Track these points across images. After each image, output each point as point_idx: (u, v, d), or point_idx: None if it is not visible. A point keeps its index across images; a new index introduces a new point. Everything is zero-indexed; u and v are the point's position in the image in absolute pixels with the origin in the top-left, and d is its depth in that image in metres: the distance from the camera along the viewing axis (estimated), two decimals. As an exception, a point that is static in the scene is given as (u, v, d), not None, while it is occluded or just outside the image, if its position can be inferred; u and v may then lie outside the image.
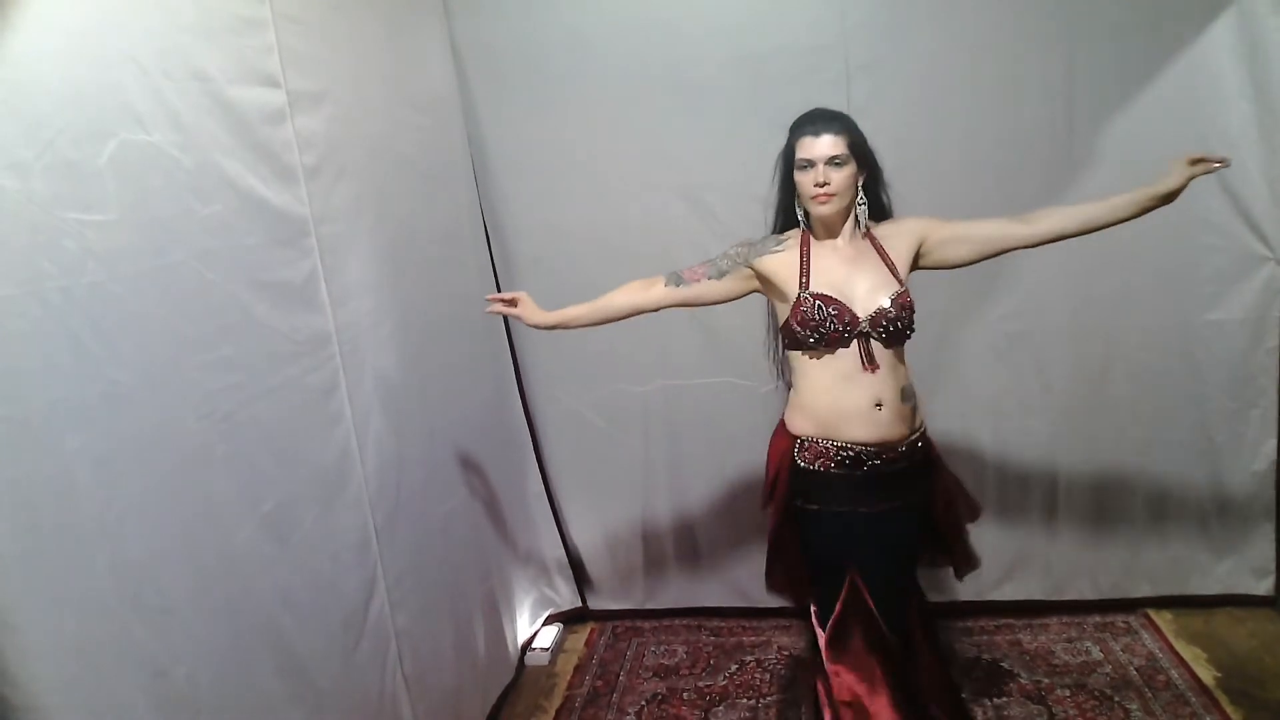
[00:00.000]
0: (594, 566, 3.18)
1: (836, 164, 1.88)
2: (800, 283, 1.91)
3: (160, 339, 1.40)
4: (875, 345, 1.88)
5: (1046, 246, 2.64)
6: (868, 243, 1.96)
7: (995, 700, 2.55)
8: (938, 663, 2.10)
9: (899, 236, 1.98)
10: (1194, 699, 2.48)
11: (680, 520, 3.08)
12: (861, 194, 1.94)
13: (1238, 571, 2.86)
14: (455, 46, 2.72)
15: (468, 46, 2.73)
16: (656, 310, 2.11)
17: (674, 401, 2.95)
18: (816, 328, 1.86)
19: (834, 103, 2.60)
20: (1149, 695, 2.51)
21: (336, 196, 1.95)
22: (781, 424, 2.04)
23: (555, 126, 2.76)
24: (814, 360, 1.91)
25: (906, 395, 1.93)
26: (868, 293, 1.89)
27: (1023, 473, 2.88)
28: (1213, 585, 2.88)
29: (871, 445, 1.89)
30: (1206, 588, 2.88)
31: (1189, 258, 2.66)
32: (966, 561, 2.21)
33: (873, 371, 1.86)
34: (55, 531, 1.19)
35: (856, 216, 1.95)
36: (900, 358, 1.94)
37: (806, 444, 1.95)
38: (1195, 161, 1.91)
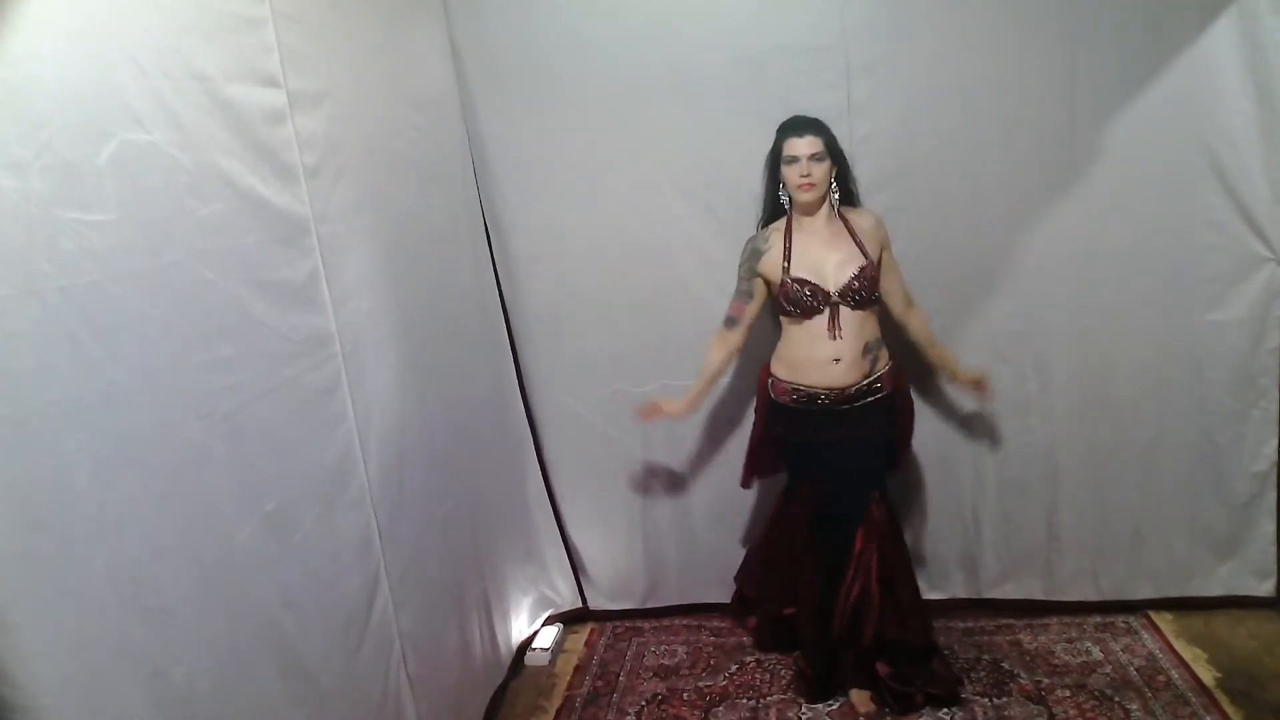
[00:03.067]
0: (594, 566, 3.18)
1: (816, 160, 2.36)
2: (784, 266, 2.41)
3: (160, 339, 1.40)
4: (844, 310, 2.37)
5: (1047, 246, 2.70)
6: (840, 223, 2.44)
7: (995, 700, 2.55)
8: (877, 597, 2.47)
9: (870, 225, 2.46)
10: (1194, 700, 2.47)
11: (680, 520, 3.08)
12: (834, 184, 2.42)
13: (1239, 573, 2.86)
14: (455, 46, 2.72)
15: (467, 46, 2.72)
16: (735, 355, 2.63)
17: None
18: (796, 302, 2.38)
19: (834, 103, 2.63)
20: (1149, 696, 2.51)
21: (337, 196, 1.95)
22: (766, 364, 2.58)
23: (555, 126, 2.76)
24: (794, 323, 2.44)
25: (869, 349, 2.42)
26: (838, 268, 2.38)
27: (1023, 473, 2.88)
28: (1214, 586, 2.88)
29: (823, 389, 2.42)
30: (1207, 589, 2.88)
31: (1190, 258, 2.66)
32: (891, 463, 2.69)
33: (833, 339, 2.37)
34: (53, 531, 1.18)
35: (831, 202, 2.43)
36: (870, 316, 2.43)
37: (776, 382, 2.52)
38: (975, 382, 2.63)
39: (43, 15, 1.23)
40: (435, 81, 2.62)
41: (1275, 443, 2.74)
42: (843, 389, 2.41)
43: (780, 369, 2.51)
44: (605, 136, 2.75)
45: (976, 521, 2.94)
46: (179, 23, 1.49)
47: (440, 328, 2.45)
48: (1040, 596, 2.95)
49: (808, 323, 2.40)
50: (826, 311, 2.37)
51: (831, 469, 2.50)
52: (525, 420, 3.03)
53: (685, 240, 2.82)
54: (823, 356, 2.39)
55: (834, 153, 2.40)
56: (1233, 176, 2.57)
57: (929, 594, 3.00)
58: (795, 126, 2.40)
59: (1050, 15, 2.53)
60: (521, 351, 2.99)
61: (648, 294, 2.87)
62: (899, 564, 2.54)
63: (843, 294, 2.36)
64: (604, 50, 2.69)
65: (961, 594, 3.00)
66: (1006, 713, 2.50)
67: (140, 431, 1.34)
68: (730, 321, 2.55)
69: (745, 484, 2.80)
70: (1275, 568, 2.83)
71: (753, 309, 2.53)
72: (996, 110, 2.61)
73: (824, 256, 2.39)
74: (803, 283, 2.37)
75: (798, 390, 2.45)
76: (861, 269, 2.37)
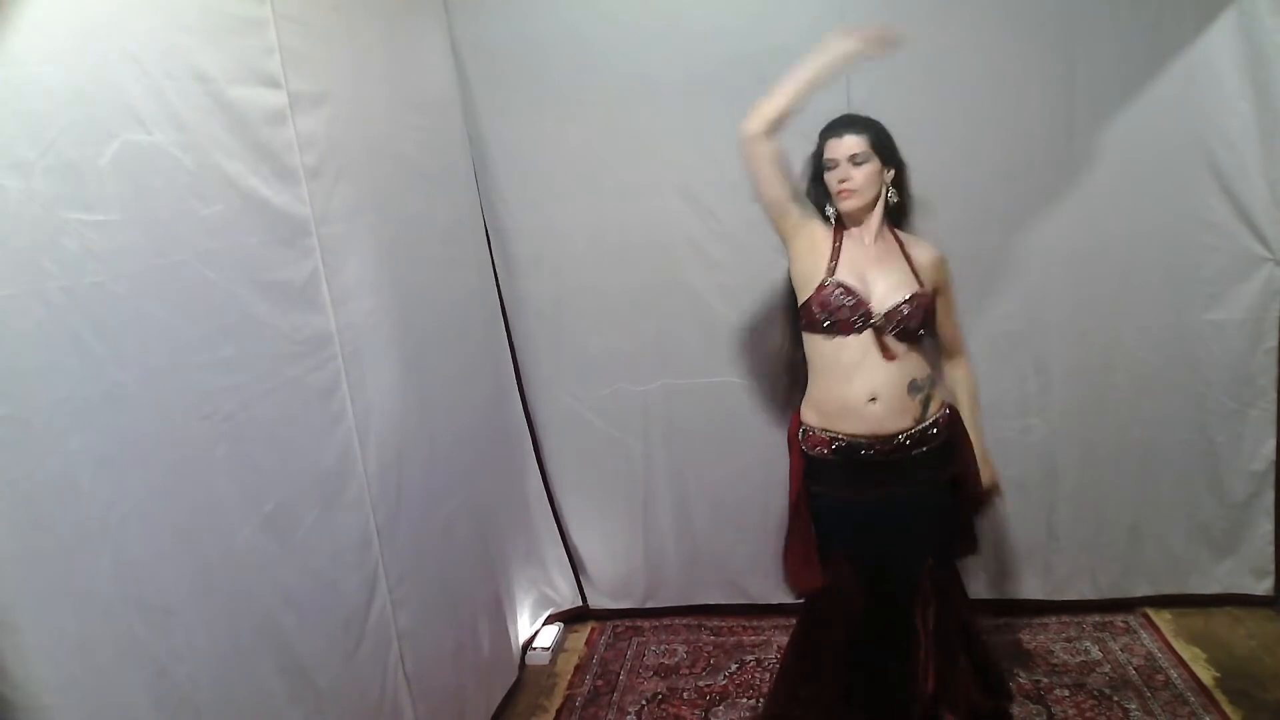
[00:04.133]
0: (594, 566, 3.19)
1: (857, 162, 2.03)
2: (829, 266, 2.04)
3: (162, 339, 1.40)
4: (888, 339, 1.99)
5: (1046, 246, 2.70)
6: (894, 242, 2.10)
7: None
8: (960, 670, 2.12)
9: (928, 260, 2.11)
10: (1193, 699, 2.48)
11: (680, 520, 3.09)
12: (892, 189, 2.08)
13: (1237, 571, 2.87)
14: (455, 47, 2.72)
15: (468, 47, 2.73)
16: (767, 128, 2.07)
17: (674, 401, 2.96)
18: (834, 312, 2.01)
19: (834, 103, 2.61)
20: (1148, 695, 2.51)
21: (337, 196, 1.95)
22: (797, 410, 2.18)
23: (555, 127, 2.76)
24: (824, 345, 2.05)
25: (914, 388, 2.03)
26: (888, 289, 2.02)
27: (1022, 472, 2.88)
28: (1212, 585, 2.88)
29: (863, 437, 2.03)
30: (1206, 588, 2.89)
31: (1189, 258, 2.66)
32: (965, 545, 2.29)
33: (888, 360, 1.99)
34: (56, 531, 1.19)
35: (886, 213, 2.08)
36: (915, 352, 2.05)
37: (809, 433, 2.12)
38: (987, 491, 2.27)
39: (45, 16, 1.23)
40: (436, 82, 2.62)
41: (1273, 442, 2.75)
42: (890, 436, 2.01)
43: (811, 415, 2.10)
44: (605, 137, 2.75)
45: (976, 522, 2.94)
46: (181, 24, 1.50)
47: (440, 328, 2.45)
48: (1039, 596, 2.96)
49: (839, 348, 2.02)
50: (865, 335, 1.99)
51: (879, 536, 2.06)
52: (525, 420, 3.03)
53: (685, 240, 2.82)
54: (856, 395, 2.00)
55: (885, 154, 2.06)
56: (1231, 177, 2.58)
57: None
58: (836, 125, 2.09)
59: (1050, 16, 2.54)
60: (521, 351, 2.99)
61: (648, 294, 2.87)
62: (974, 651, 2.15)
63: (889, 316, 1.98)
64: (604, 51, 2.69)
65: (961, 594, 3.00)
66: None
67: (143, 431, 1.35)
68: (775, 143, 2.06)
69: (799, 590, 2.22)
70: (1273, 567, 2.84)
71: (778, 186, 2.06)
72: (996, 110, 2.61)
73: (872, 272, 2.04)
74: (848, 290, 2.00)
75: (836, 439, 2.05)
76: (914, 295, 2.00)
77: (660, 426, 2.98)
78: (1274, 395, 2.72)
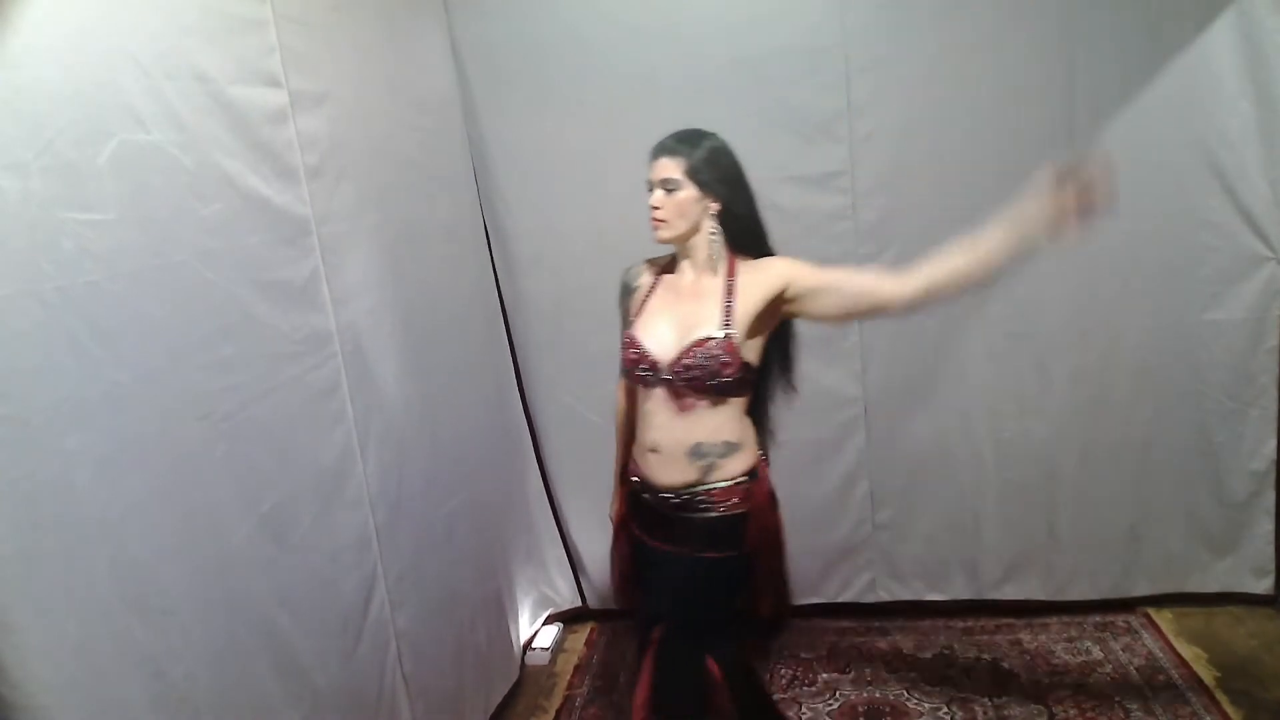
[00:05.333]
0: (594, 566, 3.18)
1: (668, 189, 1.81)
2: (629, 320, 1.92)
3: (160, 339, 1.41)
4: (681, 391, 1.78)
5: (1046, 247, 2.68)
6: (720, 281, 1.82)
7: (995, 700, 2.55)
8: None
9: (756, 282, 1.81)
10: (1194, 698, 2.47)
11: (680, 520, 3.08)
12: (715, 226, 1.82)
13: (1237, 571, 2.86)
14: (456, 47, 2.72)
15: (468, 47, 2.73)
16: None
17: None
18: (625, 367, 1.89)
19: (834, 103, 2.63)
20: (1149, 695, 2.51)
21: (338, 196, 1.95)
22: None
23: (556, 127, 2.76)
24: (638, 390, 1.89)
25: (697, 453, 1.80)
26: (681, 336, 1.80)
27: (1023, 472, 2.88)
28: (1212, 585, 2.88)
29: (649, 482, 1.88)
30: (1206, 587, 2.88)
31: (1189, 257, 2.66)
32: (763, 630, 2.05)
33: (681, 413, 1.79)
34: (55, 531, 1.19)
35: (711, 251, 1.83)
36: (718, 410, 1.80)
37: (631, 462, 1.99)
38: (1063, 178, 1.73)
39: (44, 16, 1.23)
40: (436, 82, 2.62)
41: (1274, 442, 2.75)
42: (661, 489, 1.85)
43: (634, 448, 1.98)
44: (606, 137, 2.75)
45: (977, 522, 2.94)
46: (181, 24, 1.50)
47: (440, 328, 2.45)
48: (1040, 596, 2.95)
49: (645, 392, 1.86)
50: (659, 389, 1.82)
51: (653, 585, 1.95)
52: (525, 420, 3.03)
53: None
54: (645, 442, 1.86)
55: (705, 182, 1.80)
56: (1232, 177, 2.58)
57: (929, 595, 3.01)
58: (658, 144, 1.85)
59: (1050, 16, 2.53)
60: (521, 351, 2.99)
61: (648, 294, 2.87)
62: None
63: (672, 368, 1.77)
64: (604, 51, 2.69)
65: (962, 595, 3.00)
66: (1006, 712, 2.50)
67: (141, 431, 1.35)
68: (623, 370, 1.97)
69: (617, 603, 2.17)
70: (1274, 566, 2.84)
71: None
72: (996, 111, 2.61)
73: (673, 318, 1.83)
74: (631, 343, 1.84)
75: (635, 477, 1.95)
76: (701, 340, 1.75)
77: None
78: (1275, 395, 2.72)
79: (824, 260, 2.81)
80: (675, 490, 1.84)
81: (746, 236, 1.87)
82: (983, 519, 2.94)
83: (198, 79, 1.53)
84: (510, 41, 2.71)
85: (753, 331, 1.80)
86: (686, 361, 1.76)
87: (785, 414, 2.87)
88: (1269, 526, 2.81)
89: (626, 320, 1.96)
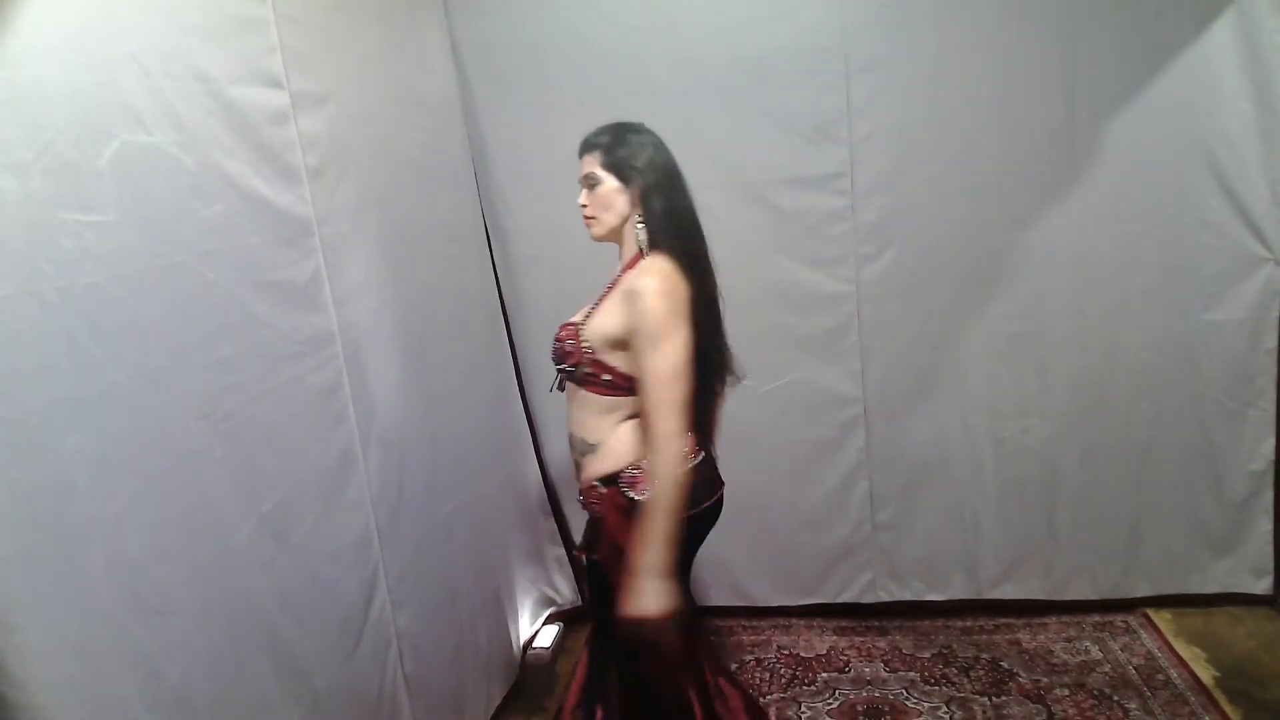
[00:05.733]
0: (594, 566, 3.18)
1: (590, 184, 1.82)
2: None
3: (160, 339, 1.40)
4: (569, 381, 1.82)
5: (1046, 247, 2.69)
6: (626, 272, 1.80)
7: (994, 699, 2.55)
8: None
9: (622, 295, 1.74)
10: (1193, 698, 2.48)
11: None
12: (639, 216, 1.79)
13: (1236, 571, 2.86)
14: (456, 47, 2.72)
15: (468, 47, 2.73)
16: None
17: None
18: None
19: (834, 103, 2.63)
20: (1148, 694, 2.51)
21: (339, 197, 1.95)
22: None
23: (556, 126, 2.73)
24: None
25: (573, 443, 1.85)
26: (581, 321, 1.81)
27: (1022, 472, 2.88)
28: (1211, 585, 2.88)
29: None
30: (1205, 587, 2.88)
31: (1189, 258, 2.66)
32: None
33: (569, 399, 1.84)
34: (53, 531, 1.19)
35: (638, 242, 1.78)
36: (593, 402, 1.78)
37: None
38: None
39: (44, 16, 1.23)
40: (437, 82, 2.62)
41: (1273, 441, 2.75)
42: (581, 485, 1.90)
43: None
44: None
45: (976, 521, 2.95)
46: (182, 24, 1.50)
47: (442, 328, 2.45)
48: (1039, 596, 2.95)
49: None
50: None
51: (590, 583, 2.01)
52: (525, 420, 3.03)
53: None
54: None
55: (625, 174, 1.78)
56: (1231, 177, 2.58)
57: (928, 595, 3.01)
58: (582, 141, 1.85)
59: (1050, 16, 2.54)
60: (522, 351, 2.99)
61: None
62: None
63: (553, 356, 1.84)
64: (604, 51, 2.69)
65: (961, 594, 3.00)
66: (1005, 712, 2.50)
67: (140, 432, 1.35)
68: None
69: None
70: (1272, 566, 2.84)
71: None
72: (996, 111, 2.61)
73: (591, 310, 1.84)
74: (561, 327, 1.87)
75: None
76: (565, 324, 1.82)
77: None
78: (1273, 395, 2.72)
79: (824, 261, 2.83)
80: (583, 484, 1.88)
81: (671, 229, 1.79)
82: (982, 519, 2.95)
83: (198, 79, 1.53)
84: (511, 42, 2.72)
85: (614, 344, 1.74)
86: (555, 345, 1.82)
87: (782, 415, 2.86)
88: (1268, 526, 2.81)
89: None
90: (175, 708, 1.37)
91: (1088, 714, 2.46)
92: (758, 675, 2.79)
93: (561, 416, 3.01)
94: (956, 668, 2.71)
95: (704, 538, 1.89)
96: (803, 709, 2.60)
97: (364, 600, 1.96)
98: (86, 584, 1.23)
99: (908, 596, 3.03)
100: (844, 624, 3.02)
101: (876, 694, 2.64)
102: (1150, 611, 2.90)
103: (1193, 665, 2.61)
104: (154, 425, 1.38)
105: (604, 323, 1.75)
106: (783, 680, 2.75)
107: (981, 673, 2.69)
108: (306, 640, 1.73)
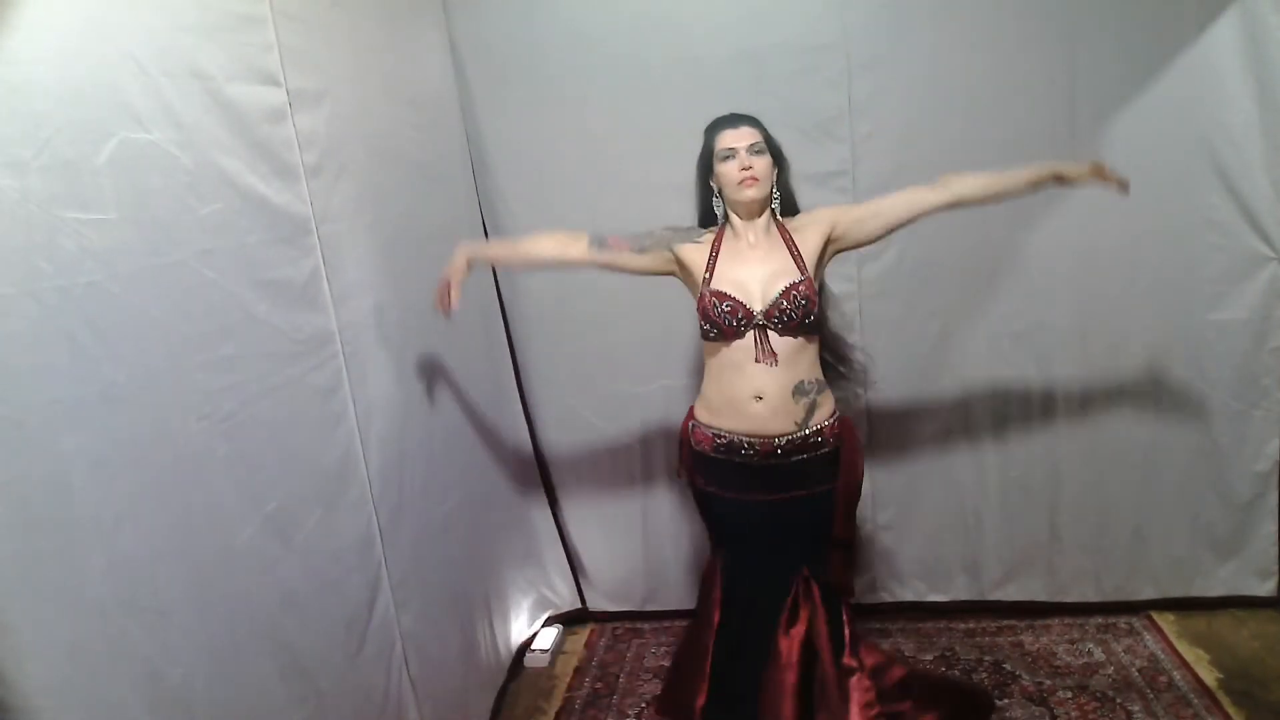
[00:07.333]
0: (593, 567, 3.17)
1: (757, 151, 2.04)
2: (704, 278, 2.05)
3: (159, 338, 1.39)
4: (774, 336, 1.98)
5: (1048, 247, 2.68)
6: (779, 236, 2.07)
7: (997, 701, 2.54)
8: (828, 690, 2.06)
9: (810, 227, 2.08)
10: (1196, 701, 2.47)
11: (680, 521, 3.07)
12: (775, 187, 2.08)
13: (1240, 573, 2.85)
14: (454, 45, 2.71)
15: (467, 45, 2.72)
16: (575, 266, 2.23)
17: (674, 401, 2.94)
18: (715, 322, 2.00)
19: (835, 101, 2.63)
20: (1151, 697, 2.50)
21: (338, 195, 1.94)
22: (691, 407, 2.19)
23: (555, 125, 2.75)
24: (714, 352, 2.06)
25: (800, 390, 2.00)
26: (767, 284, 2.00)
27: (1025, 473, 2.87)
28: (1215, 587, 2.87)
29: (744, 436, 2.03)
30: (1209, 589, 2.87)
31: (1192, 258, 2.65)
32: (837, 581, 2.15)
33: (767, 364, 1.98)
34: (51, 532, 1.18)
35: (772, 209, 2.08)
36: (807, 349, 2.02)
37: (696, 427, 2.13)
38: (1099, 170, 2.06)
39: (42, 14, 1.22)
40: (435, 80, 2.61)
41: (1277, 442, 2.74)
42: (770, 438, 2.00)
43: (702, 412, 2.12)
44: (605, 135, 2.74)
45: (978, 523, 2.94)
46: (179, 22, 1.49)
47: (441, 327, 2.43)
48: (1042, 597, 2.95)
49: (728, 350, 2.01)
50: (750, 336, 1.98)
51: (757, 540, 2.11)
52: (525, 420, 3.02)
53: (686, 240, 2.81)
54: (744, 393, 2.00)
55: (774, 150, 2.08)
56: (1234, 176, 2.57)
57: (930, 596, 3.00)
58: (728, 118, 2.09)
59: (1050, 15, 2.53)
60: (521, 351, 2.98)
61: (647, 293, 2.85)
62: (830, 671, 2.06)
63: (768, 314, 1.97)
64: (604, 49, 2.68)
65: (964, 596, 2.99)
66: (1008, 714, 2.49)
67: (139, 431, 1.34)
68: (599, 241, 2.15)
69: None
70: (1277, 568, 2.83)
71: (631, 263, 2.16)
72: (997, 110, 2.60)
73: (753, 271, 2.02)
74: (723, 297, 1.99)
75: (719, 436, 2.06)
76: (792, 285, 1.97)
77: (660, 426, 2.97)
78: (1278, 396, 2.71)
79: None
80: (787, 434, 2.00)
81: (789, 201, 2.14)
82: (985, 519, 2.94)
83: (196, 77, 1.52)
84: (509, 39, 2.71)
85: (816, 275, 2.06)
86: (784, 305, 1.96)
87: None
88: (1272, 528, 2.80)
89: (666, 244, 2.13)
90: (173, 710, 1.35)
91: (1090, 716, 2.45)
92: (759, 677, 2.78)
93: (561, 415, 3.05)
94: (959, 670, 2.70)
95: None
96: (805, 711, 2.59)
97: (367, 601, 1.95)
98: (85, 585, 1.22)
99: (910, 597, 3.02)
100: (846, 625, 3.01)
101: (879, 696, 2.62)
102: (1153, 613, 2.89)
103: (1196, 667, 2.60)
104: (154, 425, 1.37)
105: (810, 262, 2.02)
106: (784, 682, 2.74)
107: (984, 675, 2.68)
108: (310, 641, 1.72)
